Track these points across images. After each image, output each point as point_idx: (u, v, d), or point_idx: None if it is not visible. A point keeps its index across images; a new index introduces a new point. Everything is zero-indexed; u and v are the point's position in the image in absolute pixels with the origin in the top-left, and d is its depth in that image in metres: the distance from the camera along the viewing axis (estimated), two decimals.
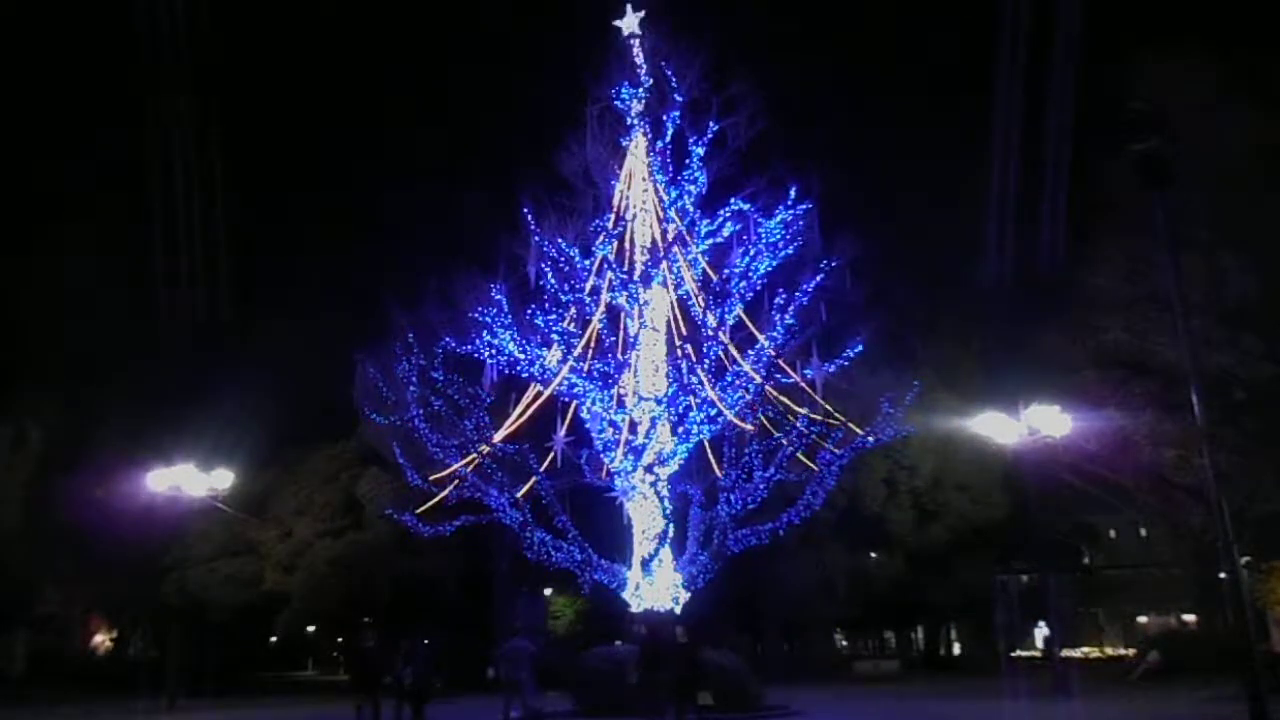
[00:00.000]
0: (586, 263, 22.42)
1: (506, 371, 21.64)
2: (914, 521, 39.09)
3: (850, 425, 21.00)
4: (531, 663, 20.19)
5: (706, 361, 20.78)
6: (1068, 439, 25.00)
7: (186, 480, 27.57)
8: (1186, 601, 39.62)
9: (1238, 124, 22.92)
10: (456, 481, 20.95)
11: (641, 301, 21.74)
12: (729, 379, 21.31)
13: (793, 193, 21.71)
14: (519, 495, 21.01)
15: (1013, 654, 42.70)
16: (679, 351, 21.59)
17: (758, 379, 20.84)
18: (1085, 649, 46.02)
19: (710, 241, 22.67)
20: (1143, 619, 49.23)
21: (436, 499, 21.34)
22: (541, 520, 21.19)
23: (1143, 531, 45.60)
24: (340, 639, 43.83)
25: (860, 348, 21.73)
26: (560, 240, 22.06)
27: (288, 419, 37.85)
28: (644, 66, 23.92)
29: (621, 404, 21.46)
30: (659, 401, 20.96)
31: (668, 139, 23.46)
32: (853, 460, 22.12)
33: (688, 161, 23.16)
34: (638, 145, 23.81)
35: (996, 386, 29.87)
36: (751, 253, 21.56)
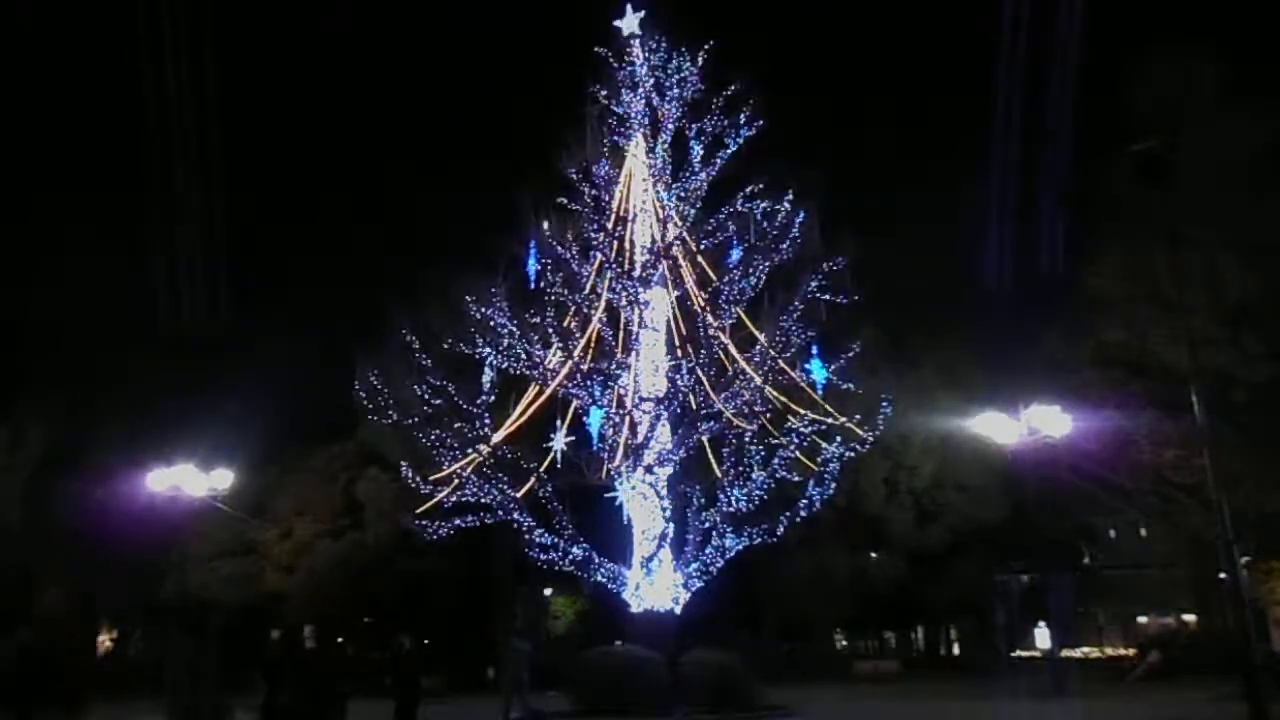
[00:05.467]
0: (587, 263, 22.45)
1: (507, 371, 21.66)
2: (914, 521, 39.11)
3: (850, 425, 21.00)
4: (530, 663, 20.21)
5: (706, 361, 20.78)
6: (1068, 439, 24.99)
7: (186, 480, 27.55)
8: (1186, 601, 39.58)
9: (1238, 124, 22.90)
10: (456, 482, 20.95)
11: (641, 301, 21.75)
12: (729, 379, 21.32)
13: (792, 193, 21.73)
14: (519, 495, 21.03)
15: (1013, 654, 42.69)
16: (679, 351, 21.61)
17: (758, 379, 20.84)
18: (1085, 649, 45.94)
19: (710, 241, 22.68)
20: (1143, 619, 49.13)
21: (436, 499, 21.35)
22: (542, 521, 21.20)
23: (1143, 531, 45.48)
24: (339, 639, 43.82)
25: (860, 348, 21.74)
26: (560, 240, 22.08)
27: (288, 419, 37.85)
28: (644, 66, 23.92)
29: (621, 404, 21.47)
30: (659, 401, 20.96)
31: (667, 139, 23.47)
32: (853, 460, 22.12)
33: (687, 161, 23.17)
34: (637, 145, 23.81)
35: (996, 386, 29.86)
36: (751, 252, 21.56)
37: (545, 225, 21.93)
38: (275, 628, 37.39)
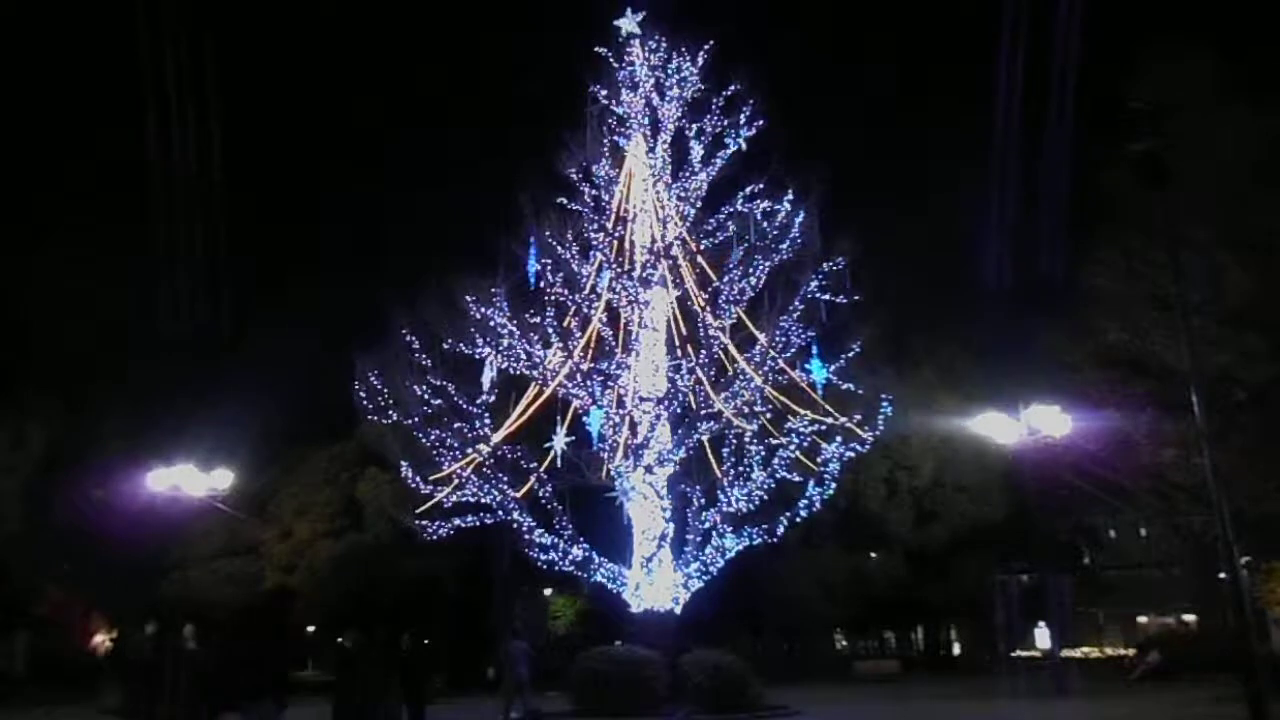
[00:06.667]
0: (587, 263, 22.45)
1: (507, 371, 21.65)
2: (914, 521, 39.11)
3: (850, 425, 20.99)
4: (530, 663, 20.18)
5: (706, 361, 20.78)
6: (1068, 439, 25.00)
7: (186, 480, 27.52)
8: (1186, 601, 39.59)
9: (1238, 123, 22.88)
10: (456, 482, 20.94)
11: (641, 301, 21.74)
12: (729, 379, 21.31)
13: (792, 193, 21.72)
14: (519, 495, 21.01)
15: (1013, 654, 42.69)
16: (679, 351, 21.60)
17: (758, 379, 20.84)
18: (1085, 649, 45.98)
19: (710, 241, 22.68)
20: (1143, 619, 49.15)
21: (436, 499, 21.34)
22: (542, 521, 21.18)
23: (1143, 531, 45.50)
24: (340, 639, 43.77)
25: (860, 348, 21.73)
26: (560, 240, 22.08)
27: (288, 419, 37.88)
28: (643, 67, 23.92)
29: (621, 404, 21.46)
30: (659, 401, 20.95)
31: (667, 139, 23.48)
32: (853, 460, 22.10)
33: (687, 161, 23.17)
34: (637, 145, 23.82)
35: (996, 386, 29.87)
36: (751, 252, 21.56)
37: (545, 225, 21.92)
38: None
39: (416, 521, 21.82)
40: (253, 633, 12.40)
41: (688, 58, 23.79)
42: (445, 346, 21.26)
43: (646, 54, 24.04)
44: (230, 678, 11.42)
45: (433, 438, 20.94)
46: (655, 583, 21.03)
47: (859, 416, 21.01)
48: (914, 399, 34.41)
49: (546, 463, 21.22)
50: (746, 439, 20.79)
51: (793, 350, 21.28)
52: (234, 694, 10.94)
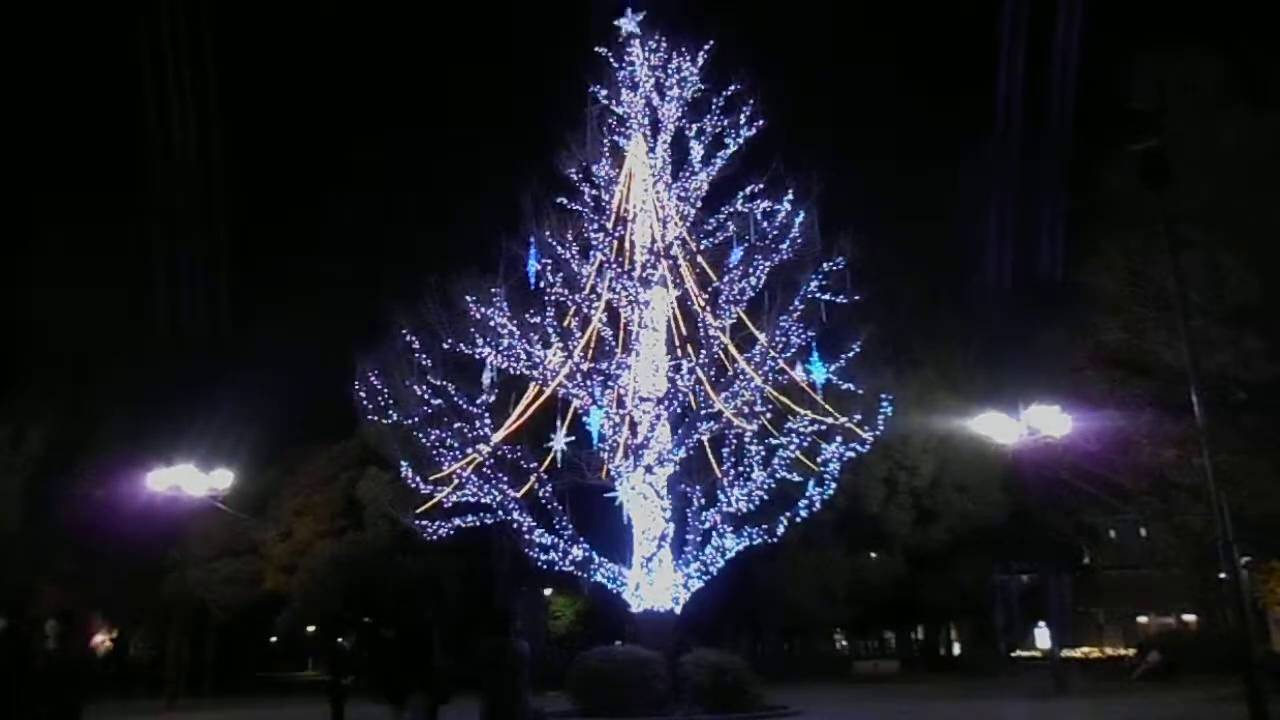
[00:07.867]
0: (587, 263, 22.44)
1: (507, 371, 21.65)
2: (914, 521, 39.11)
3: (850, 425, 20.98)
4: (530, 663, 20.15)
5: (706, 361, 20.77)
6: (1068, 439, 25.02)
7: (186, 480, 27.59)
8: (1186, 601, 39.61)
9: (1238, 124, 22.90)
10: (456, 482, 20.94)
11: (641, 301, 21.73)
12: (729, 379, 21.31)
13: (792, 193, 21.72)
14: (519, 495, 21.01)
15: (1013, 654, 42.72)
16: (679, 351, 21.59)
17: (758, 379, 20.83)
18: (1085, 649, 46.03)
19: (710, 241, 22.67)
20: (1143, 619, 49.20)
21: (436, 499, 21.33)
22: (542, 521, 21.18)
23: (1143, 531, 45.49)
24: (338, 639, 43.80)
25: (860, 348, 21.71)
26: (560, 240, 22.08)
27: (288, 419, 37.92)
28: (643, 66, 23.92)
29: (621, 404, 21.45)
30: (659, 401, 20.95)
31: (667, 139, 23.47)
32: (853, 460, 22.09)
33: (687, 161, 23.17)
34: (637, 145, 23.80)
35: (996, 386, 29.90)
36: (751, 252, 21.55)
37: (545, 225, 21.92)
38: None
39: (416, 521, 21.81)
40: (406, 640, 13.08)
41: (688, 58, 23.77)
42: (445, 346, 21.24)
43: (646, 54, 24.02)
44: (389, 678, 12.16)
45: (433, 438, 20.92)
46: (655, 583, 21.01)
47: (859, 416, 21.00)
48: (914, 399, 34.44)
49: (546, 463, 21.19)
50: (746, 439, 20.78)
51: (793, 350, 21.26)
52: (391, 692, 11.68)
